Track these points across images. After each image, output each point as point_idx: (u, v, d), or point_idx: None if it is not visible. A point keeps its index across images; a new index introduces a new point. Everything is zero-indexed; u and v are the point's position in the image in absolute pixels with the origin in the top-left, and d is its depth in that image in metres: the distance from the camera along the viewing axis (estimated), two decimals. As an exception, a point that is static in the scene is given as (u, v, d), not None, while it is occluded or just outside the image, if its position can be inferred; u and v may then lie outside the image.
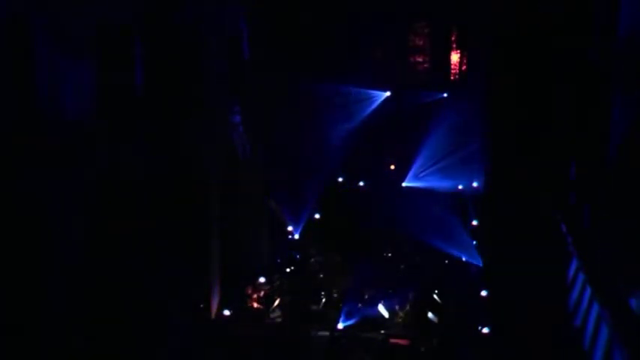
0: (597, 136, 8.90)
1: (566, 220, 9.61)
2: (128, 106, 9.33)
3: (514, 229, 10.80)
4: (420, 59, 17.59)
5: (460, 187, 16.95)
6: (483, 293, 12.32)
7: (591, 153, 9.08)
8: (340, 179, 17.50)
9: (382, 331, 11.41)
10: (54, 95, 8.28)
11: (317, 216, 15.95)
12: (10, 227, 7.68)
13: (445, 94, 16.97)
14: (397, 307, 12.12)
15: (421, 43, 17.45)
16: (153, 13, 9.92)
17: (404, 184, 17.43)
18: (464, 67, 17.05)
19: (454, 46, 17.17)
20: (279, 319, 12.18)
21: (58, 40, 8.07)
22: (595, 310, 7.71)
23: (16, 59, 7.96)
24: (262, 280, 13.04)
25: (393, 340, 11.02)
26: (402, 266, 14.07)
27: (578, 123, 9.51)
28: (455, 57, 17.15)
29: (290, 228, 15.48)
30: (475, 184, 16.43)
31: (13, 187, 7.66)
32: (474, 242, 14.65)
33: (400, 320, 12.00)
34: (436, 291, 12.43)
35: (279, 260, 14.38)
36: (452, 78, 17.07)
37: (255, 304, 12.50)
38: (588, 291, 8.17)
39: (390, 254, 14.57)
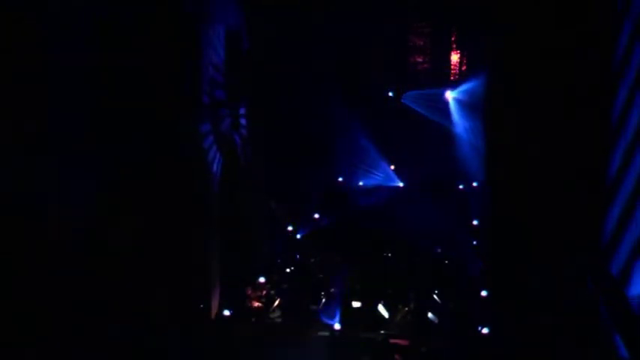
0: (598, 136, 8.90)
1: (565, 219, 9.61)
2: (124, 101, 9.20)
3: (514, 229, 10.80)
4: (420, 59, 17.60)
5: (460, 187, 16.99)
6: (483, 293, 12.32)
7: (592, 151, 9.07)
8: (340, 179, 17.52)
9: (382, 331, 11.40)
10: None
11: (317, 216, 15.96)
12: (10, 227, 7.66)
13: (445, 94, 16.98)
14: (397, 307, 12.11)
15: (421, 43, 17.45)
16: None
17: (403, 184, 17.47)
18: (464, 67, 17.05)
19: (454, 46, 17.18)
20: (279, 319, 12.17)
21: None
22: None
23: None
24: (262, 280, 13.05)
25: (393, 340, 11.00)
26: (402, 266, 14.05)
27: (579, 123, 9.50)
28: (455, 57, 17.15)
29: (290, 228, 15.49)
30: (475, 184, 16.44)
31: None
32: (474, 242, 14.66)
33: (400, 320, 11.98)
34: (436, 291, 12.42)
35: (279, 260, 14.38)
36: (452, 78, 17.08)
37: (255, 304, 12.49)
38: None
39: (389, 254, 14.56)
